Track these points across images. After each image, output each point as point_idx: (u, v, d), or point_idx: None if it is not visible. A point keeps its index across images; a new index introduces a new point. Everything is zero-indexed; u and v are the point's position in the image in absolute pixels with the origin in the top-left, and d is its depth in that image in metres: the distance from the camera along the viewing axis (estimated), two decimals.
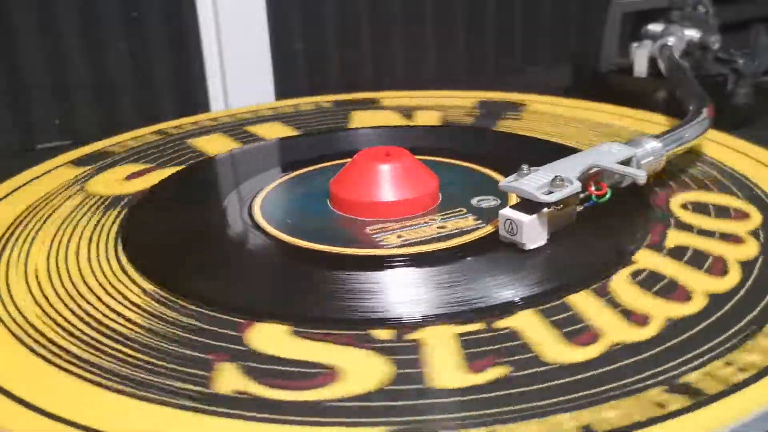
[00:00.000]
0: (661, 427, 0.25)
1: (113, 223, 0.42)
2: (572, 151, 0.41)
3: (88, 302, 0.34)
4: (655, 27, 0.65)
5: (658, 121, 0.55)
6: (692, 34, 0.64)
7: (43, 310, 0.33)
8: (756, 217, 0.40)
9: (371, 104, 0.63)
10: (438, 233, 0.39)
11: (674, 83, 0.57)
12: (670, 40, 0.62)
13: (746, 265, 0.35)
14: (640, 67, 0.64)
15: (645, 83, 0.64)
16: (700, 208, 0.41)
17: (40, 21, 0.64)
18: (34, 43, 0.64)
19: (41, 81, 0.65)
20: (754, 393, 0.26)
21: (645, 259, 0.36)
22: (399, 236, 0.38)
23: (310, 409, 0.26)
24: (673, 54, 0.61)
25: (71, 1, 0.64)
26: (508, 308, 0.32)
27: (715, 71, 0.64)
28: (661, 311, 0.31)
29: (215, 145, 0.54)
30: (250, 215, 0.42)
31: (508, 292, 0.33)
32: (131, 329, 0.32)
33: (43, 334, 0.31)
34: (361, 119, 0.59)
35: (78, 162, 0.52)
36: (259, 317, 0.32)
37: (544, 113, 0.59)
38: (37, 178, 0.49)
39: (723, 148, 0.49)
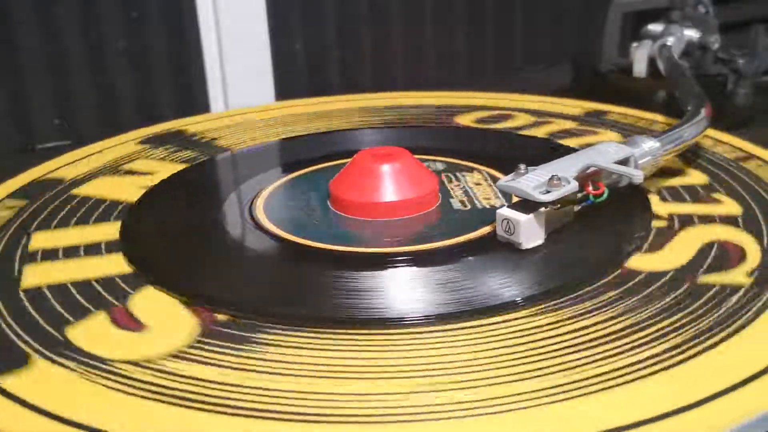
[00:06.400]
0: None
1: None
2: (570, 150, 0.41)
3: None
4: (655, 27, 0.65)
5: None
6: (692, 34, 0.64)
7: None
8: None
9: None
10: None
11: (673, 83, 0.57)
12: (670, 40, 0.62)
13: None
14: (640, 67, 0.64)
15: (645, 83, 0.64)
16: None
17: (40, 21, 0.64)
18: (34, 43, 0.64)
19: (41, 81, 0.65)
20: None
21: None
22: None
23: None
24: (672, 54, 0.61)
25: (71, 1, 0.64)
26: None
27: (715, 71, 0.64)
28: None
29: None
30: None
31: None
32: None
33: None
34: None
35: None
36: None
37: None
38: None
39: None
